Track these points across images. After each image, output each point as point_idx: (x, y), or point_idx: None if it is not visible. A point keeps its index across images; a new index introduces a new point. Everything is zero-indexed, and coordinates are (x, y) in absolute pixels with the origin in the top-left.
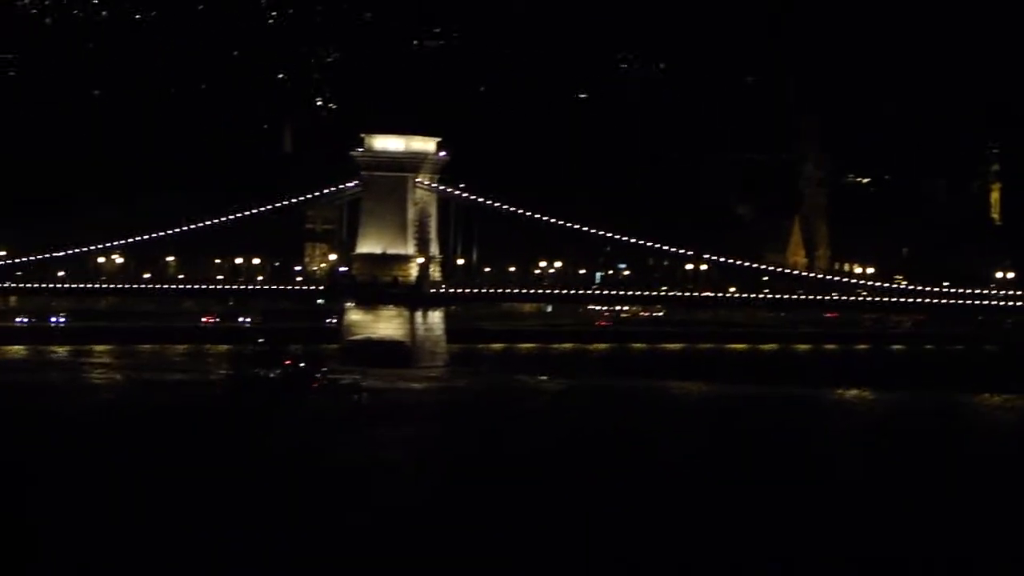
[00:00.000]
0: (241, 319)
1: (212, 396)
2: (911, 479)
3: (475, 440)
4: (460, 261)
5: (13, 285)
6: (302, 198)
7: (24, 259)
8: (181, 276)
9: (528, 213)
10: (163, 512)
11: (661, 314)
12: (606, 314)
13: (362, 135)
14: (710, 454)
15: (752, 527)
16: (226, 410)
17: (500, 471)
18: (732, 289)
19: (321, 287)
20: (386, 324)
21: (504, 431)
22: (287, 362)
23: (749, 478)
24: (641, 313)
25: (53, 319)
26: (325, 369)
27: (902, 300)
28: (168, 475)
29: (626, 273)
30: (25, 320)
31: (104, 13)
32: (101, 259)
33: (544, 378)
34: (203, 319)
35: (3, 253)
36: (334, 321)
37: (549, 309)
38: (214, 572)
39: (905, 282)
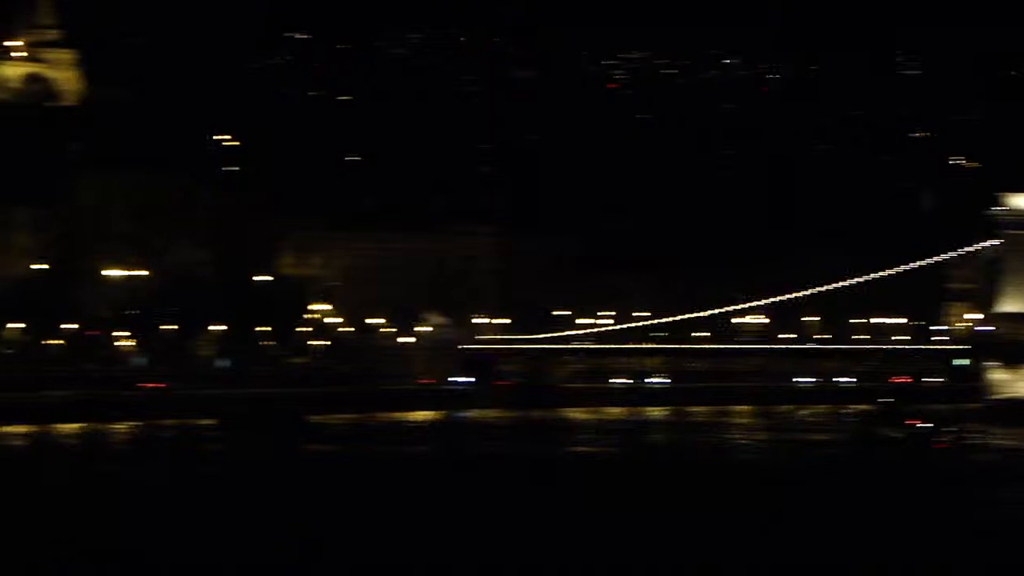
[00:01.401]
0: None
1: (838, 455)
2: None
3: None
4: None
5: (650, 346)
6: (943, 257)
7: (664, 319)
8: (824, 336)
9: None
10: None
11: None
12: None
13: (1002, 193)
14: None
15: None
16: (850, 469)
17: None
18: None
19: (963, 346)
20: None
21: None
22: (911, 422)
23: None
24: None
25: (649, 380)
26: (955, 429)
27: None
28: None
29: None
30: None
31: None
32: (741, 319)
33: None
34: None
35: (647, 313)
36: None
37: None
38: None
39: None
